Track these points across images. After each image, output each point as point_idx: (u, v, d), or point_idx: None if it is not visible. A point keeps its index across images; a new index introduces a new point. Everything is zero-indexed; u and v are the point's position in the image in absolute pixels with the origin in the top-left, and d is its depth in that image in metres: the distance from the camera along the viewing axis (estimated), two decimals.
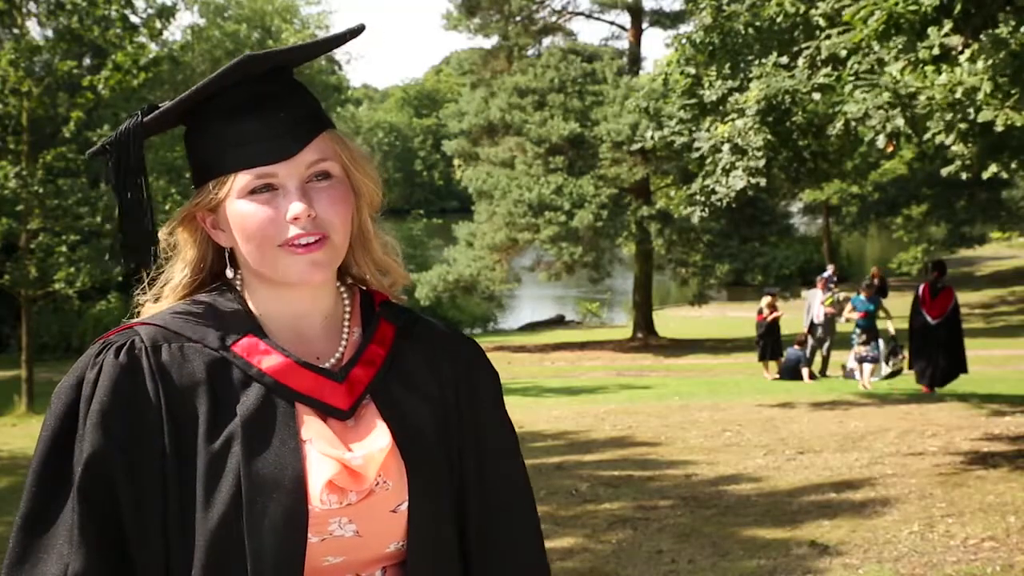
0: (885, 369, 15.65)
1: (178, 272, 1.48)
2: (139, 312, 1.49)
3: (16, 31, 15.91)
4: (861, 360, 15.20)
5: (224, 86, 1.40)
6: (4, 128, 15.50)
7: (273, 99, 1.41)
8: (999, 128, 6.52)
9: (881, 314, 15.75)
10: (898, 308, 27.56)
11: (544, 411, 12.58)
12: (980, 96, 6.46)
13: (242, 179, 1.38)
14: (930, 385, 12.77)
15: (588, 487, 7.81)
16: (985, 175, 7.51)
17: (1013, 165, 7.39)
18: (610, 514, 6.94)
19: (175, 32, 37.28)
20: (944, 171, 8.17)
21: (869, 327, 15.23)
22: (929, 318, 12.70)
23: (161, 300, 1.48)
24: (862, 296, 15.84)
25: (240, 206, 1.39)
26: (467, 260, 25.49)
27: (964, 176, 7.73)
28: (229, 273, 1.46)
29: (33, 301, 16.30)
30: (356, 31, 1.46)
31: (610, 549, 6.10)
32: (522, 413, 11.97)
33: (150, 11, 16.51)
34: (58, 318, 24.89)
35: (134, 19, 15.96)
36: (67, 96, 16.25)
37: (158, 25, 16.01)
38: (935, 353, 12.70)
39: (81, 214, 15.60)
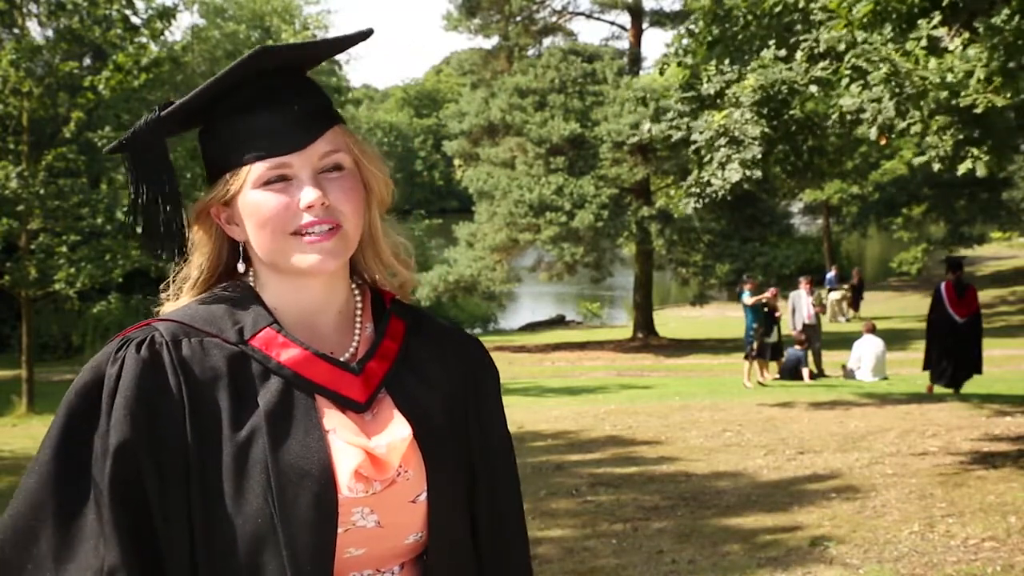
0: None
1: (195, 269, 1.50)
2: (159, 311, 1.50)
3: (17, 31, 15.91)
4: (759, 356, 15.81)
5: (238, 81, 1.42)
6: (5, 128, 15.49)
7: (286, 93, 1.43)
8: (978, 110, 6.48)
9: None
10: (895, 308, 27.58)
11: (544, 411, 12.57)
12: (973, 82, 6.42)
13: (257, 170, 1.40)
14: (949, 386, 12.54)
15: (588, 487, 7.81)
16: (961, 169, 7.40)
17: (987, 158, 7.25)
18: (610, 514, 6.94)
19: (175, 32, 37.31)
20: (915, 161, 8.13)
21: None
22: (957, 317, 12.33)
23: (180, 297, 1.50)
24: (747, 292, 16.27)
25: (255, 196, 1.40)
26: (468, 260, 25.51)
27: (936, 168, 7.62)
28: (241, 267, 1.48)
29: (33, 301, 16.31)
30: (365, 34, 1.47)
31: (610, 549, 6.10)
32: (522, 413, 11.97)
33: (151, 12, 16.51)
34: (58, 318, 24.88)
35: (135, 20, 15.96)
36: (68, 96, 16.24)
37: (159, 26, 16.00)
38: (958, 353, 12.36)
39: (81, 214, 15.61)
